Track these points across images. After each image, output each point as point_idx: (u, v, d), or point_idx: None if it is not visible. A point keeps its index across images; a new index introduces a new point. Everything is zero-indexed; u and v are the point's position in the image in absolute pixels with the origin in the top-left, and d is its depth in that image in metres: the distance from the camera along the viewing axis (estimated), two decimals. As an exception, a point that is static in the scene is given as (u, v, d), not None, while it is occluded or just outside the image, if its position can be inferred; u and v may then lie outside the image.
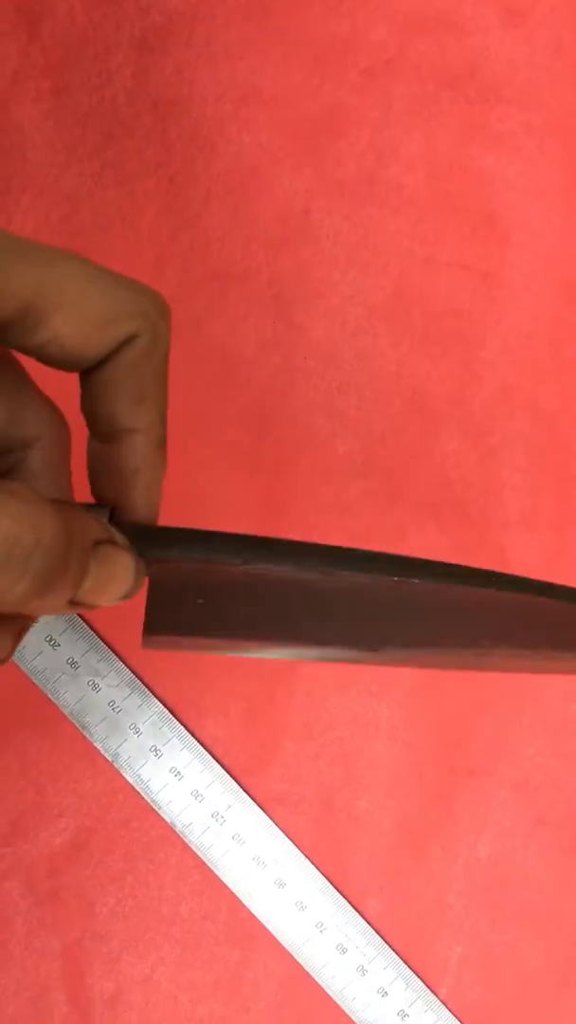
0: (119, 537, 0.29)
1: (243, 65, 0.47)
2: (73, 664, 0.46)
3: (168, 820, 0.45)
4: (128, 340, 0.28)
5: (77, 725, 0.45)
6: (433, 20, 0.46)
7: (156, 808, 0.45)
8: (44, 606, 0.27)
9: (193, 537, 0.31)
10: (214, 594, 0.32)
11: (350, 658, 0.34)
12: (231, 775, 0.45)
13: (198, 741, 0.45)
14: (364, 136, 0.47)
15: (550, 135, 0.47)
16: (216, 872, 0.45)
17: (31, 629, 0.45)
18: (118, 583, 0.29)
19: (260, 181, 0.46)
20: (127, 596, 0.30)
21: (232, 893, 0.45)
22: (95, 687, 0.46)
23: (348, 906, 0.46)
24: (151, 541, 0.30)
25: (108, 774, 0.45)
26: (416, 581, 0.31)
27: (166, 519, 0.47)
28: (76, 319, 0.27)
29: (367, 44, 0.47)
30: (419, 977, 0.46)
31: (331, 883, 0.45)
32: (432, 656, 0.34)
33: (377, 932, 0.46)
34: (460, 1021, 0.46)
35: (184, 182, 0.46)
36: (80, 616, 0.45)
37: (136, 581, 0.30)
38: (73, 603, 0.28)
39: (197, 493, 0.45)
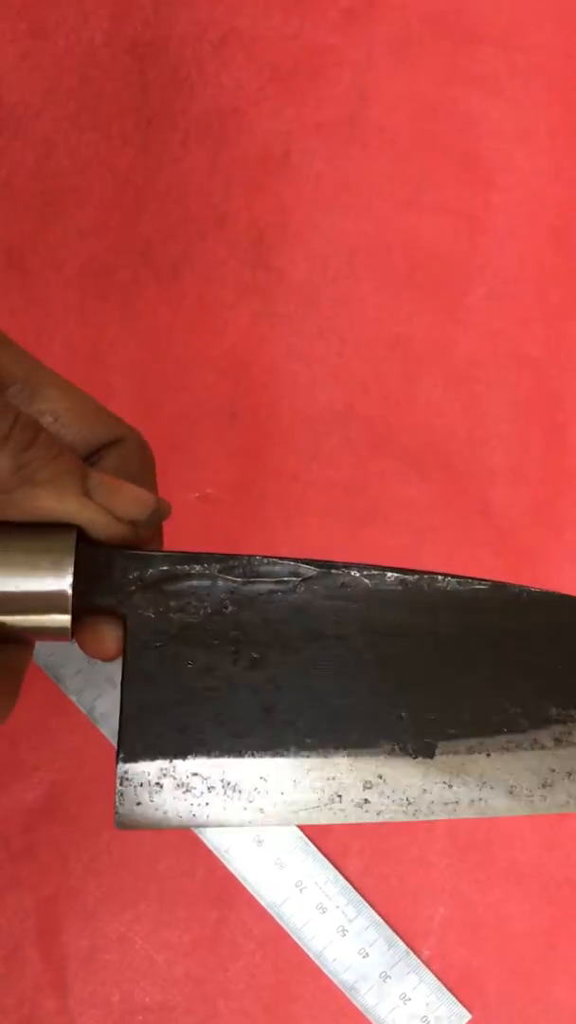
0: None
1: (222, 5, 0.45)
2: None
3: None
4: (118, 441, 0.30)
5: (52, 678, 0.43)
6: (416, -41, 0.46)
7: None
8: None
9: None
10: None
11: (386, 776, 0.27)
12: None
13: None
14: (345, 77, 0.45)
15: (535, 76, 0.45)
16: (193, 829, 0.43)
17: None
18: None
19: (239, 123, 0.45)
20: (136, 517, 0.28)
21: (210, 851, 0.43)
22: None
23: (329, 865, 0.44)
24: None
25: (83, 728, 0.43)
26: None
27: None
28: (70, 399, 0.30)
29: None
30: (401, 938, 0.45)
31: (311, 841, 0.44)
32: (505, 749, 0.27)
33: (358, 892, 0.44)
34: (443, 983, 0.45)
35: (162, 124, 0.45)
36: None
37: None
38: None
39: (176, 438, 0.44)
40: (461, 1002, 0.44)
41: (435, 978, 0.44)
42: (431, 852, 0.44)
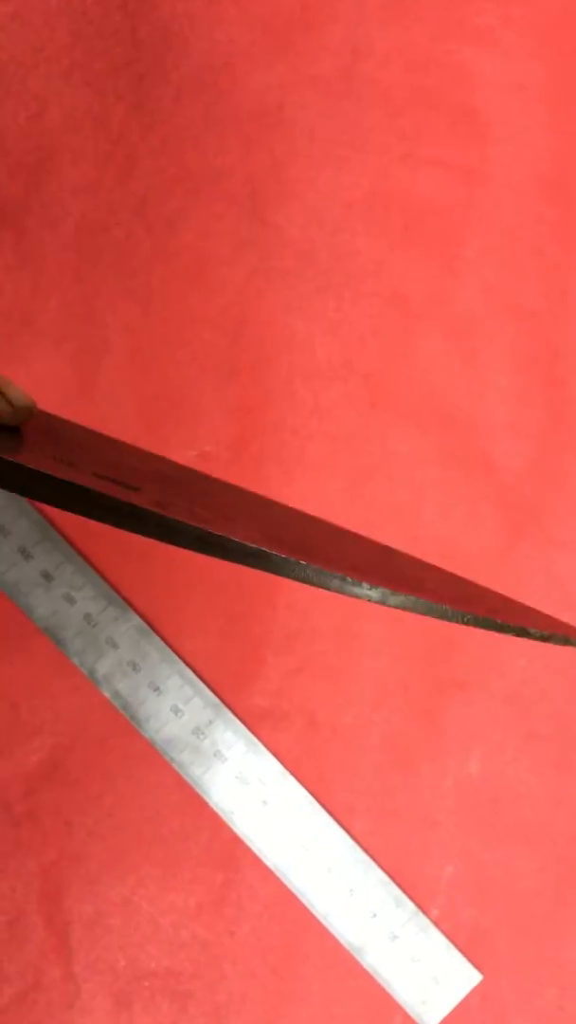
0: None
1: None
2: (47, 576, 0.43)
3: (148, 737, 0.42)
4: None
5: (52, 640, 0.42)
6: None
7: (135, 724, 0.42)
8: None
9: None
10: None
11: None
12: (212, 690, 0.43)
13: (177, 655, 0.42)
14: (338, 31, 0.45)
15: (529, 29, 0.45)
16: (198, 791, 0.42)
17: (3, 542, 0.43)
18: None
19: (232, 78, 0.44)
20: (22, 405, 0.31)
21: (214, 812, 0.42)
22: (70, 600, 0.43)
23: (335, 825, 0.43)
24: None
25: (85, 690, 0.42)
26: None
27: (145, 422, 0.45)
28: None
29: None
30: (410, 898, 0.44)
31: (317, 801, 0.43)
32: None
33: (365, 852, 0.43)
34: (452, 943, 0.45)
35: (154, 80, 0.44)
36: (55, 527, 0.43)
37: None
38: None
39: (173, 396, 0.43)
40: (471, 962, 0.44)
41: (444, 938, 0.44)
42: (438, 810, 0.44)
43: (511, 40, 0.44)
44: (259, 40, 0.43)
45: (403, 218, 0.43)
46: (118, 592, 0.43)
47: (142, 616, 0.43)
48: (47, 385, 0.42)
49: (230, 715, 0.43)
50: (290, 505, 0.43)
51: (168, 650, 0.43)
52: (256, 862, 0.42)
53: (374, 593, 0.30)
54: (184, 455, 0.42)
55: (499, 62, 0.44)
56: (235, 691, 0.43)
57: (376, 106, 0.43)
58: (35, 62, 0.43)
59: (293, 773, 0.43)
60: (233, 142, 0.43)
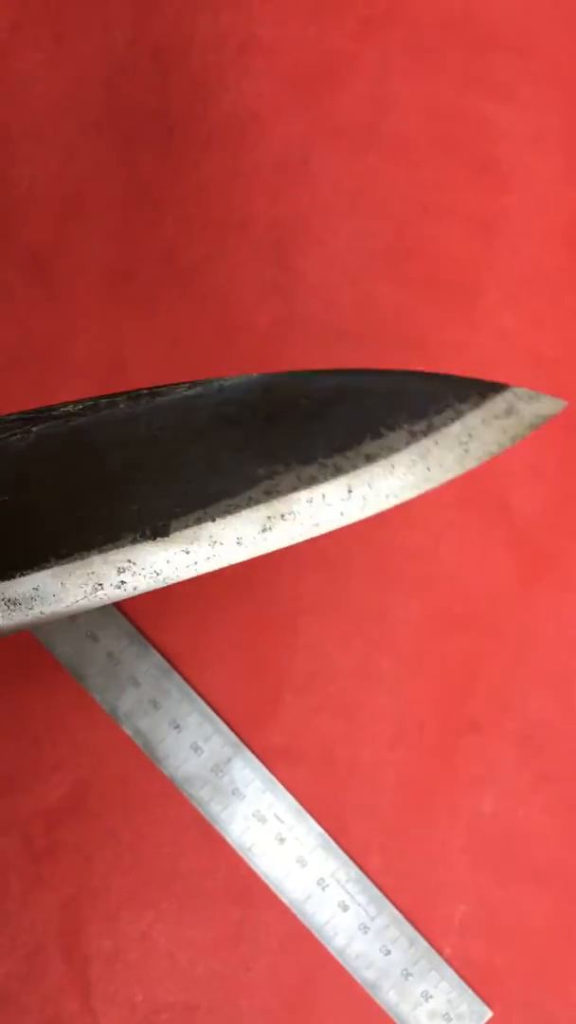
0: None
1: (242, 14, 0.44)
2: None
3: (167, 774, 0.43)
4: None
5: (75, 677, 0.43)
6: (432, -31, 0.46)
7: (155, 761, 0.42)
8: None
9: None
10: None
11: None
12: (231, 728, 0.43)
13: (197, 693, 0.43)
14: (363, 84, 0.45)
15: (549, 82, 0.46)
16: (216, 827, 0.43)
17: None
18: None
19: (259, 128, 0.44)
20: None
21: (232, 849, 0.43)
22: (93, 638, 0.43)
23: (350, 862, 0.43)
24: None
25: (106, 727, 0.43)
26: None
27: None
28: None
29: None
30: (423, 936, 0.44)
31: (332, 839, 0.43)
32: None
33: (380, 889, 0.43)
34: (465, 980, 0.45)
35: (183, 130, 0.45)
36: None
37: None
38: None
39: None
40: (482, 999, 0.44)
41: (456, 975, 0.44)
42: (452, 849, 0.44)
43: (531, 93, 0.45)
44: (286, 92, 0.44)
45: (424, 266, 0.44)
46: (140, 630, 0.43)
47: (163, 654, 0.43)
48: None
49: (248, 753, 0.43)
50: (307, 546, 0.44)
51: (188, 688, 0.43)
52: (272, 899, 0.43)
53: None
54: (207, 496, 0.43)
55: (519, 114, 0.45)
56: (254, 729, 0.44)
57: (398, 157, 0.44)
58: (67, 110, 0.44)
59: (309, 811, 0.43)
60: (259, 191, 0.44)
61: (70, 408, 0.31)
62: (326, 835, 0.43)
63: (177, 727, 0.43)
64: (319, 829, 0.43)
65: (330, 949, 0.43)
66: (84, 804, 0.43)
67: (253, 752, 0.43)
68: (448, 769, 0.44)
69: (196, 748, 0.43)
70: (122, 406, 0.31)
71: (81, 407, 0.31)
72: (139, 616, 0.43)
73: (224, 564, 0.31)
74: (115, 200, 0.43)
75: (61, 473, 0.31)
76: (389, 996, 0.43)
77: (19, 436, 0.31)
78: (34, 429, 0.31)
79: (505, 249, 0.45)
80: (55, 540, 0.30)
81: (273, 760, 0.43)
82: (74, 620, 0.43)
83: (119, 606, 0.43)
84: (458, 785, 0.44)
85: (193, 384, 0.32)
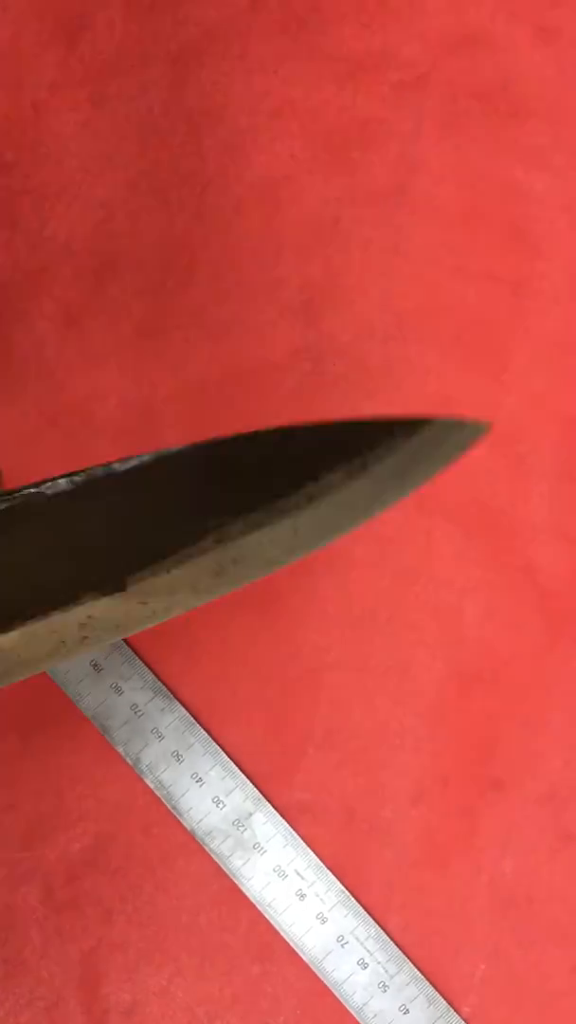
0: None
1: (277, 78, 0.45)
2: (96, 667, 0.43)
3: (188, 827, 0.42)
4: None
5: (99, 728, 0.42)
6: (465, 37, 0.45)
7: (177, 814, 0.42)
8: None
9: None
10: None
11: None
12: (253, 782, 0.43)
13: (220, 747, 0.43)
14: (395, 148, 0.45)
15: None
16: (236, 882, 0.42)
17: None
18: None
19: (292, 191, 0.44)
20: None
21: (252, 904, 0.42)
22: (118, 690, 0.43)
23: (370, 920, 0.42)
24: None
25: (129, 779, 0.42)
26: None
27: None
28: None
29: (399, 59, 0.45)
30: (442, 995, 0.43)
31: (352, 896, 0.43)
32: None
33: (399, 947, 0.42)
34: (483, 1042, 0.45)
35: (217, 190, 0.46)
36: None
37: None
38: None
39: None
40: (501, 1061, 0.44)
41: (475, 1037, 0.44)
42: (472, 908, 0.44)
43: (562, 160, 0.45)
44: (318, 155, 0.45)
45: (453, 328, 0.45)
46: (164, 683, 0.43)
47: (187, 707, 0.43)
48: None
49: (270, 808, 0.43)
50: (331, 602, 0.44)
51: (211, 741, 0.43)
52: (292, 955, 0.43)
53: None
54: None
55: (549, 180, 0.45)
56: (276, 784, 0.44)
57: (429, 220, 0.45)
58: (102, 170, 0.45)
59: (330, 867, 0.43)
60: (290, 252, 0.45)
61: (28, 489, 0.33)
62: (347, 892, 0.43)
63: (199, 780, 0.43)
64: (340, 886, 0.43)
65: (349, 1007, 0.43)
66: (105, 856, 0.43)
67: (275, 807, 0.43)
68: (470, 827, 0.44)
69: (218, 802, 0.43)
70: (76, 479, 0.33)
71: (32, 489, 0.32)
72: (163, 668, 0.43)
73: (183, 610, 0.33)
74: (148, 259, 0.44)
75: (22, 543, 0.32)
76: (407, 1056, 0.43)
77: None
78: None
79: (535, 312, 0.45)
80: (21, 605, 0.32)
81: (295, 815, 0.43)
82: (99, 672, 0.43)
83: (143, 658, 0.43)
84: (480, 844, 0.44)
85: (140, 456, 0.33)
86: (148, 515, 0.33)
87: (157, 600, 0.32)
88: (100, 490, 0.32)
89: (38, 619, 0.32)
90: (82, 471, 0.33)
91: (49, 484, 0.33)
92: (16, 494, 0.32)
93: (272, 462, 0.34)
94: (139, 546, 0.32)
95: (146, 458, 0.33)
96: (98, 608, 0.32)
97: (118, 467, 0.33)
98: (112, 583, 0.32)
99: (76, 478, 0.33)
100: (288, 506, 0.33)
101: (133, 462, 0.33)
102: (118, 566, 0.32)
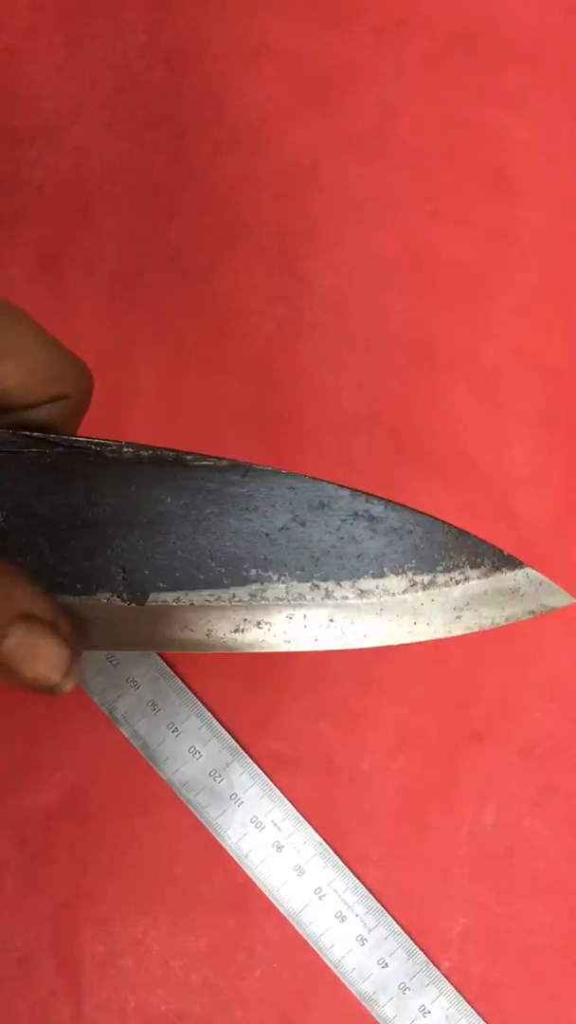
0: (46, 615, 0.28)
1: (255, 22, 0.43)
2: None
3: (165, 778, 0.41)
4: (60, 397, 0.30)
5: None
6: (444, -20, 0.46)
7: (153, 765, 0.41)
8: None
9: None
10: None
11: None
12: (230, 732, 0.42)
13: (197, 696, 0.42)
14: (373, 92, 0.43)
15: (560, 95, 0.43)
16: (213, 833, 0.41)
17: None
18: (41, 662, 0.27)
19: (269, 135, 0.43)
20: (53, 687, 0.27)
21: (228, 855, 0.41)
22: None
23: (348, 872, 0.41)
24: None
25: (105, 729, 0.41)
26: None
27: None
28: (23, 373, 0.30)
29: (378, 3, 0.43)
30: (421, 949, 0.41)
31: (331, 848, 0.42)
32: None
33: (378, 900, 0.41)
34: (463, 996, 0.44)
35: (193, 135, 0.45)
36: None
37: (64, 674, 0.27)
38: None
39: (201, 441, 0.44)
40: (481, 1016, 0.43)
41: (455, 990, 0.43)
42: (452, 861, 0.43)
43: (541, 104, 0.44)
44: (296, 100, 0.44)
45: (432, 274, 0.44)
46: (141, 633, 0.43)
47: (163, 657, 0.43)
48: (78, 427, 0.43)
49: (247, 758, 0.43)
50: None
51: (187, 691, 0.43)
52: (269, 907, 0.42)
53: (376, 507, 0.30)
54: (210, 499, 0.43)
55: (529, 125, 0.44)
56: (253, 734, 0.43)
57: (408, 165, 0.44)
58: (78, 114, 0.44)
59: (308, 819, 0.43)
60: (267, 197, 0.44)
61: (96, 443, 0.31)
62: (324, 844, 0.42)
63: (175, 730, 0.42)
64: (318, 838, 0.42)
65: (326, 960, 0.42)
66: (81, 806, 0.42)
67: (252, 758, 0.43)
68: (449, 779, 0.43)
69: (194, 752, 0.42)
70: (145, 454, 0.30)
71: (113, 446, 0.30)
72: (140, 618, 0.43)
73: (181, 650, 0.31)
74: (124, 203, 0.43)
75: (63, 502, 0.30)
76: (386, 1010, 0.42)
77: (36, 454, 0.30)
78: (50, 451, 0.30)
79: (515, 258, 0.44)
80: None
81: (272, 766, 0.43)
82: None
83: (120, 608, 0.43)
84: (459, 796, 0.43)
85: (222, 460, 0.31)
86: (194, 533, 0.31)
87: (167, 628, 0.31)
88: (161, 475, 0.31)
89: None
90: (155, 450, 0.31)
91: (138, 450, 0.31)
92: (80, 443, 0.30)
93: (344, 530, 0.31)
94: (175, 567, 0.31)
95: (225, 464, 0.31)
96: (107, 610, 0.30)
97: (192, 463, 0.31)
98: (133, 592, 0.30)
99: (147, 452, 0.30)
100: (336, 592, 0.31)
101: (210, 462, 0.31)
102: (146, 579, 0.30)
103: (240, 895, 0.42)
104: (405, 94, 0.44)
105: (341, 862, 0.42)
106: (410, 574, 0.31)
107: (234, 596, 0.31)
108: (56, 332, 0.43)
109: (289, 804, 0.42)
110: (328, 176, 0.43)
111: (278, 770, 0.42)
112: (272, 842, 0.42)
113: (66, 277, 0.43)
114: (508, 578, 0.32)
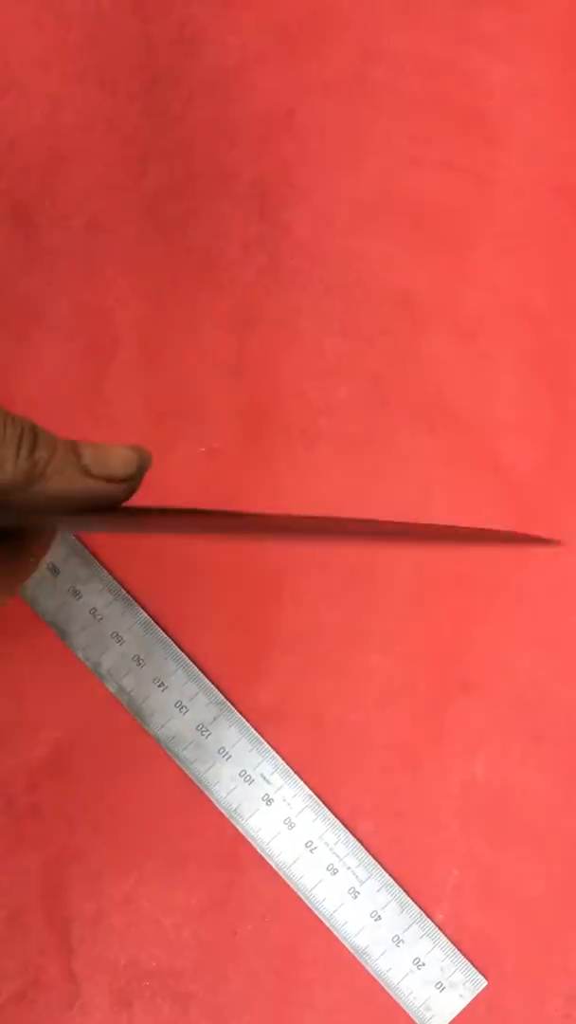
0: None
1: None
2: (54, 569, 0.41)
3: (152, 733, 0.40)
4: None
5: (57, 634, 0.41)
6: None
7: (139, 720, 0.40)
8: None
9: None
10: None
11: None
12: (217, 686, 0.41)
13: (182, 651, 0.41)
14: (350, 36, 0.42)
15: (539, 35, 0.42)
16: (201, 788, 0.40)
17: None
18: (115, 460, 0.29)
19: (244, 82, 0.42)
20: (128, 474, 0.29)
21: (218, 810, 0.40)
22: (76, 594, 0.41)
23: (339, 825, 0.41)
24: None
25: (90, 685, 0.41)
26: None
27: (154, 419, 0.46)
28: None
29: None
30: (414, 901, 0.41)
31: (321, 801, 0.41)
32: None
33: (370, 853, 0.41)
34: (458, 947, 0.43)
35: (167, 83, 0.44)
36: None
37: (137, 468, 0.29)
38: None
39: (182, 393, 0.43)
40: (476, 968, 0.43)
41: (450, 942, 0.43)
42: (444, 813, 0.43)
43: (521, 46, 0.44)
44: (271, 44, 0.43)
45: (412, 220, 0.43)
46: (124, 587, 0.42)
47: (147, 610, 0.42)
48: (57, 381, 0.42)
49: (234, 712, 0.42)
50: (298, 500, 0.43)
51: (173, 646, 0.42)
52: (260, 861, 0.42)
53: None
54: (192, 452, 0.42)
55: (509, 67, 0.44)
56: (240, 688, 0.42)
57: (386, 110, 0.43)
58: (50, 63, 0.43)
59: (298, 772, 0.42)
60: (244, 144, 0.43)
61: None
62: (315, 797, 0.42)
63: (162, 685, 0.42)
64: (308, 790, 0.42)
65: (319, 914, 0.42)
66: (67, 763, 0.41)
67: (239, 711, 0.42)
68: (440, 730, 0.42)
69: (181, 707, 0.42)
70: None
71: None
72: (123, 572, 0.42)
73: None
74: (98, 153, 0.43)
75: None
76: (379, 963, 0.41)
77: None
78: None
79: (496, 202, 0.44)
80: None
81: (260, 720, 0.42)
82: (56, 575, 0.42)
83: (103, 562, 0.42)
84: (450, 746, 0.42)
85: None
86: None
87: None
88: None
89: None
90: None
91: None
92: None
93: None
94: None
95: None
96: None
97: None
98: None
99: None
100: None
101: None
102: None
103: (230, 850, 0.41)
104: (382, 38, 0.43)
105: (332, 815, 0.42)
106: None
107: None
108: (32, 285, 0.43)
109: (278, 757, 0.42)
110: (305, 122, 0.43)
111: (267, 723, 0.42)
112: (262, 796, 0.41)
113: (41, 230, 0.42)
114: None
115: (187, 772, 0.41)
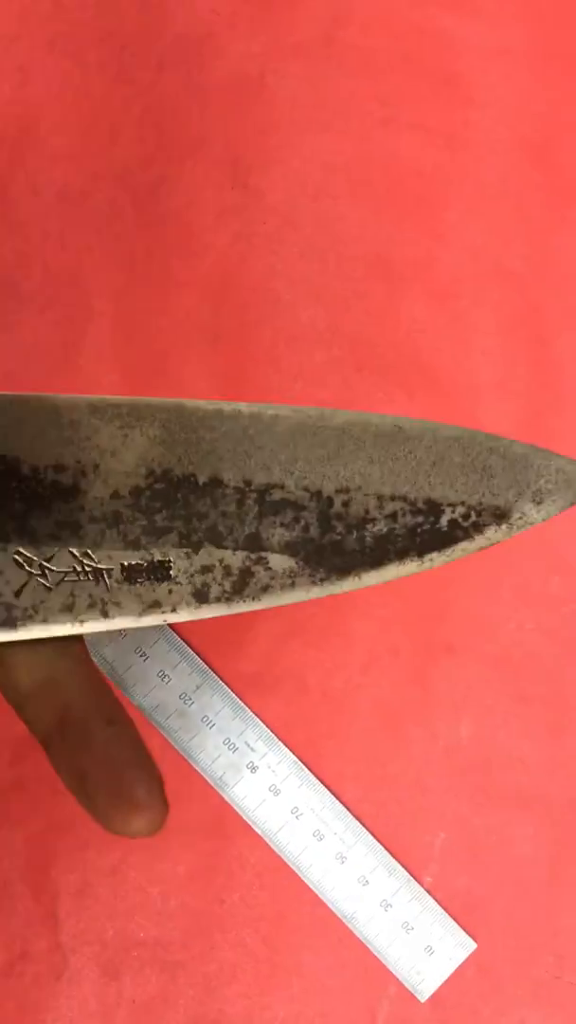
0: None
1: None
2: None
3: (134, 702, 0.40)
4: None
5: None
6: None
7: (122, 690, 0.40)
8: None
9: None
10: None
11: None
12: (199, 655, 0.41)
13: None
14: None
15: None
16: (186, 757, 0.40)
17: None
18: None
19: (213, 47, 0.42)
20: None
21: (203, 779, 0.40)
22: None
23: (324, 790, 0.41)
24: None
25: None
26: None
27: (130, 388, 0.45)
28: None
29: None
30: (402, 865, 0.41)
31: (306, 767, 0.41)
32: None
33: (356, 818, 0.41)
34: (446, 911, 0.43)
35: (136, 50, 0.44)
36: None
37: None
38: None
39: (158, 361, 0.43)
40: (465, 931, 0.43)
41: (438, 906, 0.42)
42: (429, 776, 0.43)
43: (492, 5, 0.43)
44: (240, 9, 0.43)
45: (386, 182, 0.43)
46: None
47: (129, 582, 0.42)
48: (32, 352, 0.42)
49: (218, 680, 0.42)
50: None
51: (155, 616, 0.42)
52: (246, 829, 0.42)
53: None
54: (169, 419, 0.42)
55: (480, 27, 0.44)
56: (223, 656, 0.42)
57: (357, 72, 0.43)
58: (17, 33, 0.43)
59: (282, 739, 0.42)
60: (215, 110, 0.43)
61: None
62: (300, 763, 0.42)
63: (143, 655, 0.42)
64: (292, 757, 0.42)
65: (306, 880, 0.41)
66: (50, 736, 0.41)
67: (222, 679, 0.42)
68: (424, 693, 0.42)
69: (163, 676, 0.42)
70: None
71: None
72: (103, 543, 0.42)
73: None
74: (69, 122, 0.42)
75: None
76: (368, 928, 0.41)
77: None
78: None
79: (469, 163, 0.43)
80: None
81: (243, 687, 0.42)
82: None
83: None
84: (434, 709, 0.42)
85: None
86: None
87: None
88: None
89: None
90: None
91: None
92: None
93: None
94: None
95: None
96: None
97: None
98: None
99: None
100: None
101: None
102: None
103: (216, 818, 0.41)
104: (351, 0, 0.43)
105: (317, 780, 0.41)
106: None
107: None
108: (6, 256, 0.42)
109: (262, 724, 0.41)
110: (276, 86, 0.42)
111: (250, 691, 0.42)
112: (246, 763, 0.41)
113: (13, 200, 0.42)
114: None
115: (171, 741, 0.41)
